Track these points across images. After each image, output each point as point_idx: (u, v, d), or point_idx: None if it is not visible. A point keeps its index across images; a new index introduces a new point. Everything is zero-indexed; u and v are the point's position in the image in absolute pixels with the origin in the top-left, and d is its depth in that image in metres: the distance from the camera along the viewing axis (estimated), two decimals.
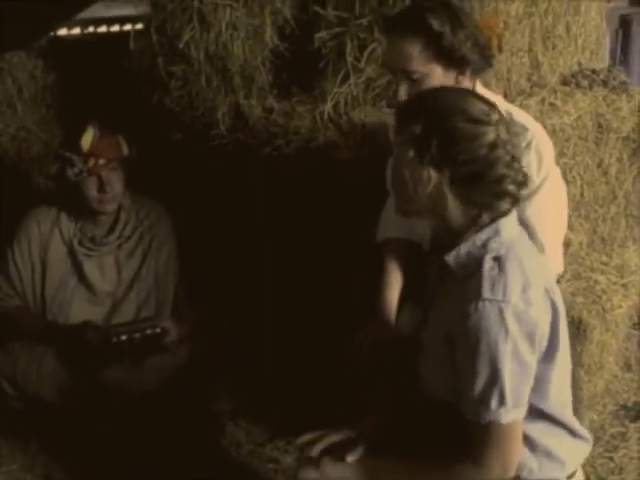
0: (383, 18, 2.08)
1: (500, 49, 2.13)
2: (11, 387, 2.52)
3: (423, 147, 1.52)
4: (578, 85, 2.89)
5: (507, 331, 1.43)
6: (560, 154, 2.62)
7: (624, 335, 2.83)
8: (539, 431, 1.57)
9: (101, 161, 2.51)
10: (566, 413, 1.62)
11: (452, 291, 1.57)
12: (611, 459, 2.59)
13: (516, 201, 1.56)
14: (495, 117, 1.53)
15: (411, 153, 1.54)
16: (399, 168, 1.58)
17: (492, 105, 1.57)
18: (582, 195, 2.79)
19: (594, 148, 2.81)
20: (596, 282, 2.71)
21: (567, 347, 1.60)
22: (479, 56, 1.95)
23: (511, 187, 1.53)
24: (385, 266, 2.15)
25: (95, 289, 2.64)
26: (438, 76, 1.92)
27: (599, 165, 2.85)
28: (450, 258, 1.56)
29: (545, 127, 2.51)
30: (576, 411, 1.70)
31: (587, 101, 2.77)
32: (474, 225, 1.55)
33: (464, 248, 1.55)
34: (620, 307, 2.69)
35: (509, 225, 1.55)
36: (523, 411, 1.50)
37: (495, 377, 1.45)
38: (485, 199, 1.53)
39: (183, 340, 2.58)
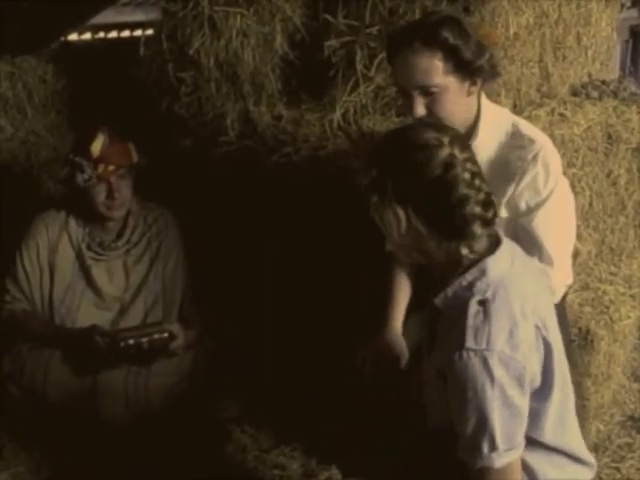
0: (391, 36, 2.06)
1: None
2: (18, 390, 2.52)
3: (382, 188, 1.52)
4: (588, 96, 2.89)
5: (493, 378, 1.43)
6: (569, 165, 2.62)
7: (632, 346, 2.83)
8: (537, 459, 1.56)
9: (110, 167, 2.52)
10: (567, 440, 1.60)
11: (444, 330, 1.56)
12: (618, 470, 2.59)
13: (487, 223, 1.52)
14: (446, 139, 1.51)
15: (374, 197, 1.54)
16: (372, 216, 1.58)
17: (444, 127, 1.57)
18: (591, 205, 2.79)
19: (603, 159, 2.80)
20: (604, 293, 2.71)
21: (565, 376, 1.59)
22: (490, 66, 1.95)
23: (476, 208, 1.50)
24: (393, 276, 2.15)
25: (103, 294, 2.64)
26: (454, 88, 1.92)
27: (608, 176, 2.85)
28: (439, 301, 1.56)
29: (554, 138, 2.52)
30: (583, 422, 1.70)
31: (597, 112, 2.77)
32: (459, 265, 1.53)
33: (451, 290, 1.54)
34: (628, 318, 2.69)
35: (498, 262, 1.52)
36: (518, 452, 1.48)
37: (484, 423, 1.44)
38: (454, 225, 1.50)
39: (190, 346, 2.59)
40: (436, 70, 1.90)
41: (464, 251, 1.52)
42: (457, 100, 1.93)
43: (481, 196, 1.51)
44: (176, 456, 2.41)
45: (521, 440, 1.48)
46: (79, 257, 2.65)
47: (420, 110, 1.92)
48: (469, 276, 1.52)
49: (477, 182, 1.51)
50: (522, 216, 1.97)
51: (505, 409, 1.44)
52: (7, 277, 2.65)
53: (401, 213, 1.52)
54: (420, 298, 2.11)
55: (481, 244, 1.54)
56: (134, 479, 2.34)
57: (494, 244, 1.55)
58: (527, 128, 2.03)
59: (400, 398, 1.94)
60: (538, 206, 1.96)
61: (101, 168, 2.51)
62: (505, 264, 1.54)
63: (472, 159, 1.53)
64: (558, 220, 2.00)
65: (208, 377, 2.61)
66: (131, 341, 2.44)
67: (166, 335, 2.48)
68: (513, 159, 1.97)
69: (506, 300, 1.48)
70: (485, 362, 1.42)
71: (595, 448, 2.59)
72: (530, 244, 1.93)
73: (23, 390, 2.51)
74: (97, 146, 2.51)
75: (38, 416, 2.51)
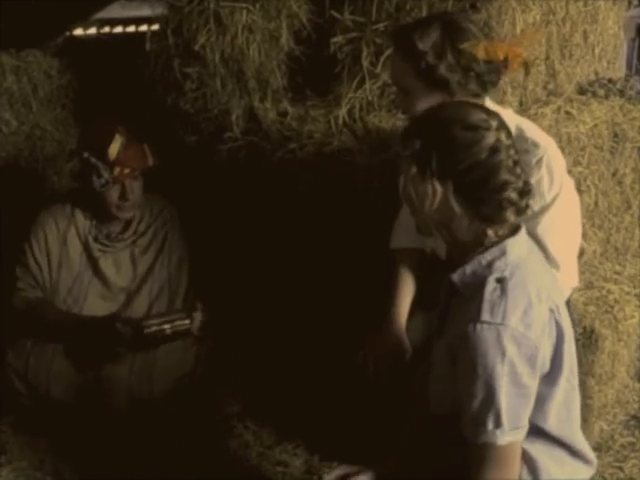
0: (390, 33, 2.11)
1: (527, 72, 2.11)
2: (23, 384, 2.53)
3: (424, 161, 1.53)
4: (594, 94, 2.88)
5: (504, 354, 1.44)
6: (575, 163, 2.62)
7: (636, 345, 2.82)
8: (539, 450, 1.57)
9: (126, 170, 2.53)
10: (571, 432, 1.60)
11: (458, 309, 1.57)
12: (621, 469, 2.58)
13: (520, 211, 1.55)
14: (494, 123, 1.54)
15: (414, 169, 1.55)
16: (405, 186, 1.59)
17: (491, 113, 1.58)
18: (596, 204, 2.78)
19: (609, 157, 2.79)
20: (609, 292, 2.70)
21: (573, 368, 1.60)
22: (472, 80, 1.92)
23: (513, 195, 1.52)
24: (397, 275, 2.15)
25: (110, 284, 2.66)
26: (424, 95, 1.92)
27: (614, 174, 2.84)
28: (456, 277, 1.57)
29: (560, 136, 2.52)
30: (586, 421, 1.69)
31: (603, 110, 2.76)
32: (481, 245, 1.55)
33: (470, 268, 1.55)
34: (632, 317, 2.68)
35: (517, 245, 1.55)
36: (522, 433, 1.49)
37: (491, 399, 1.45)
38: (489, 209, 1.53)
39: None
40: (405, 73, 1.94)
41: (490, 233, 1.54)
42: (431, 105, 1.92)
43: (519, 184, 1.54)
44: (179, 452, 2.42)
45: (526, 423, 1.49)
46: (86, 249, 2.66)
47: (401, 107, 1.95)
48: (489, 255, 1.54)
49: (518, 170, 1.54)
50: (527, 220, 1.96)
51: (513, 387, 1.45)
52: (18, 267, 2.64)
53: (439, 189, 1.53)
54: (423, 297, 2.11)
55: (505, 229, 1.56)
56: (137, 474, 2.34)
57: (515, 229, 1.57)
58: (531, 131, 2.02)
59: (402, 395, 1.94)
60: (543, 210, 1.96)
61: (117, 171, 2.52)
62: (523, 249, 1.56)
63: (514, 147, 1.56)
64: (563, 224, 2.00)
65: (211, 373, 2.61)
66: (154, 328, 2.45)
67: (188, 322, 2.49)
68: None
69: (523, 281, 1.50)
70: (499, 336, 1.44)
71: (598, 447, 2.58)
72: None
73: (27, 385, 2.52)
74: (115, 149, 2.50)
75: (42, 411, 2.51)
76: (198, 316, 2.54)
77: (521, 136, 1.99)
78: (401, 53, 1.94)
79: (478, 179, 1.51)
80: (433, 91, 1.92)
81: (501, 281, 1.49)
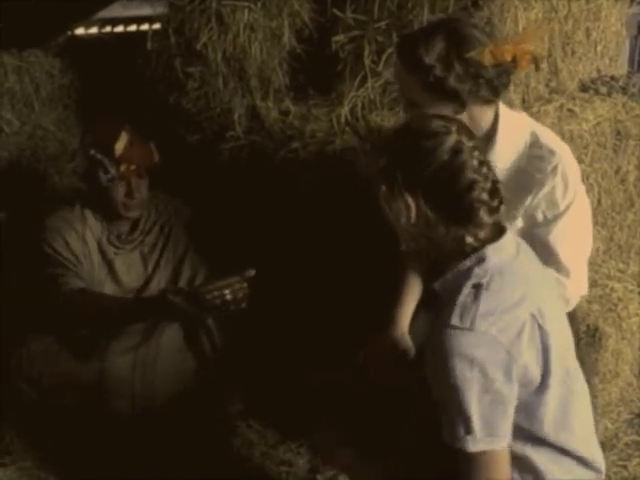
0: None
1: (537, 68, 2.08)
2: (27, 384, 2.53)
3: (391, 177, 1.54)
4: (597, 92, 2.88)
5: (472, 359, 1.42)
6: (578, 161, 2.59)
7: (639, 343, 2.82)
8: (544, 459, 1.56)
9: (132, 167, 2.54)
10: (570, 440, 1.58)
11: (438, 315, 1.57)
12: (625, 467, 2.58)
13: (492, 210, 1.54)
14: (454, 127, 1.54)
15: (383, 187, 1.56)
16: (382, 208, 1.60)
17: (451, 119, 1.61)
18: (599, 202, 2.78)
19: (612, 155, 2.79)
20: (612, 290, 2.69)
21: (570, 370, 1.59)
22: (483, 86, 1.89)
23: (483, 195, 1.52)
24: (404, 276, 2.14)
25: (122, 285, 2.68)
26: (432, 107, 1.87)
27: (617, 172, 2.83)
28: (438, 285, 1.58)
29: (563, 134, 2.52)
30: None
31: (606, 108, 2.75)
32: (462, 252, 1.55)
33: (451, 275, 1.56)
34: (636, 315, 2.68)
35: (499, 250, 1.54)
36: (500, 441, 1.46)
37: (461, 405, 1.44)
38: (461, 211, 1.53)
39: None
40: (412, 86, 1.91)
41: (469, 239, 1.55)
42: None
43: (488, 184, 1.53)
44: (181, 452, 2.42)
45: (505, 432, 1.47)
46: (101, 250, 2.68)
47: (407, 116, 1.95)
48: (468, 262, 1.54)
49: (484, 170, 1.54)
50: (538, 227, 1.96)
51: (485, 393, 1.43)
52: (49, 267, 2.57)
53: (410, 201, 1.54)
54: (429, 297, 2.10)
55: (485, 233, 1.56)
56: (139, 474, 2.34)
57: (498, 233, 1.57)
58: (546, 137, 2.00)
59: (403, 395, 1.94)
60: (555, 218, 1.95)
61: (123, 167, 2.53)
62: (507, 253, 1.56)
63: (479, 148, 1.56)
64: (575, 232, 1.99)
65: (214, 372, 2.61)
66: (215, 293, 2.38)
67: (245, 285, 2.41)
68: (532, 170, 1.95)
69: (501, 286, 1.50)
70: (467, 341, 1.43)
71: (602, 446, 2.53)
72: (546, 255, 1.90)
73: (31, 384, 2.52)
74: (121, 145, 2.51)
75: (45, 411, 2.51)
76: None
77: (536, 143, 1.97)
78: (407, 67, 1.91)
79: (445, 181, 1.51)
80: (443, 102, 1.88)
81: (477, 287, 1.50)
